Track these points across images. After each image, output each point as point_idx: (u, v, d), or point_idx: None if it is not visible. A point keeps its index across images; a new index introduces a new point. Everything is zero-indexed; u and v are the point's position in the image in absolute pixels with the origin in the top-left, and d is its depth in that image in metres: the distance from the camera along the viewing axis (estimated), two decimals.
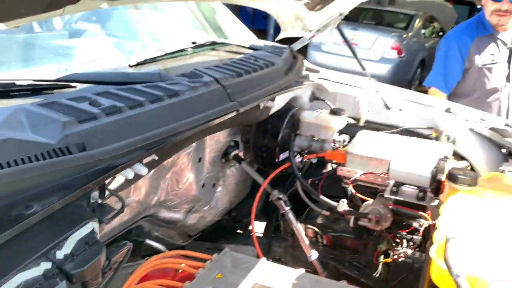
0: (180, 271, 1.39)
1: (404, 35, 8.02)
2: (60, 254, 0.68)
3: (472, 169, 1.67)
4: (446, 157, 1.41)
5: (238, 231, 2.14)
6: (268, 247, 1.90)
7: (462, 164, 1.62)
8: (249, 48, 1.90)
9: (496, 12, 2.35)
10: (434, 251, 0.85)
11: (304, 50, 2.56)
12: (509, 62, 2.46)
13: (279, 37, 2.02)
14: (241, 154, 1.83)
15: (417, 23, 8.48)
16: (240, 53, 1.80)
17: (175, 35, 1.82)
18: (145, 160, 0.94)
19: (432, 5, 12.15)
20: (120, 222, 1.31)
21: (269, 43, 2.18)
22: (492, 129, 1.75)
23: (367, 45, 7.66)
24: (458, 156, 1.71)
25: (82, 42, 1.41)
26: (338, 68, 5.99)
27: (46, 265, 0.65)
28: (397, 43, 7.60)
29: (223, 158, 1.78)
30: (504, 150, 1.67)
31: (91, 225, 0.75)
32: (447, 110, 1.88)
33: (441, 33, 9.94)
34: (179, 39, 1.70)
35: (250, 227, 2.03)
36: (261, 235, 2.03)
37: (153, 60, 1.40)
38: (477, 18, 2.50)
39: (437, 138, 1.84)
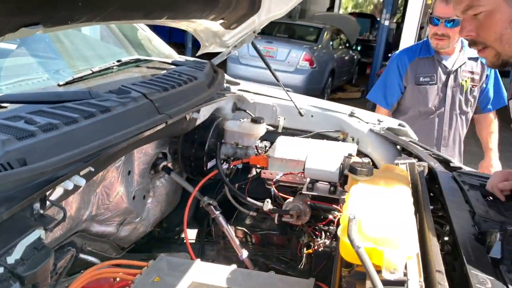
0: (117, 280, 1.44)
1: (315, 47, 8.61)
2: (11, 260, 0.72)
3: (374, 164, 1.93)
4: (350, 155, 1.63)
5: (171, 240, 2.20)
6: (201, 252, 2.00)
7: (365, 160, 1.86)
8: (172, 64, 2.00)
9: (434, 36, 2.39)
10: (340, 231, 1.02)
11: (223, 63, 2.70)
12: (445, 85, 2.49)
13: (199, 52, 2.14)
14: (169, 165, 1.91)
15: (326, 35, 9.14)
16: (163, 69, 1.89)
17: (99, 53, 1.86)
18: (83, 172, 1.00)
19: (338, 19, 13.17)
20: (52, 238, 1.33)
21: (190, 58, 2.30)
22: (388, 129, 2.02)
23: (282, 57, 8.11)
24: (362, 154, 1.96)
25: (6, 62, 1.41)
26: (257, 79, 6.27)
27: None
28: (309, 55, 8.14)
29: (152, 169, 1.84)
30: (398, 147, 1.95)
31: (38, 232, 0.80)
32: (351, 115, 2.13)
33: (347, 44, 10.83)
34: (103, 57, 1.75)
35: (182, 235, 2.11)
36: (194, 241, 2.11)
37: (81, 79, 1.45)
38: (426, 40, 2.56)
39: (344, 140, 2.08)
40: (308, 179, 1.65)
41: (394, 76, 2.57)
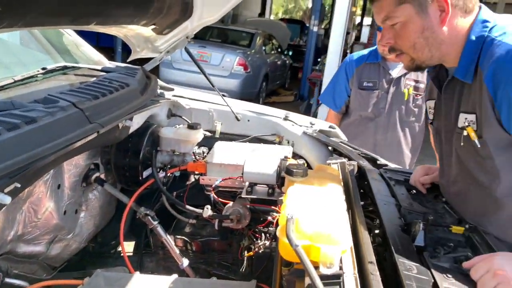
0: None
1: (248, 52, 8.72)
2: None
3: (308, 165, 2.00)
4: (286, 157, 1.68)
5: (107, 255, 2.11)
6: (139, 264, 1.94)
7: (300, 161, 1.93)
8: (102, 70, 1.93)
9: (380, 42, 2.39)
10: (278, 231, 1.05)
11: (156, 68, 2.64)
12: (387, 93, 2.50)
13: (130, 58, 2.09)
14: (102, 176, 1.83)
15: (258, 40, 9.30)
16: (92, 76, 1.81)
17: (21, 60, 1.74)
18: (7, 189, 0.93)
19: (269, 24, 13.48)
20: None
21: (121, 64, 2.23)
22: (320, 131, 2.12)
23: (216, 62, 8.12)
24: (297, 156, 2.03)
25: None
26: (191, 84, 6.23)
27: None
28: (243, 60, 8.23)
29: (84, 182, 1.76)
30: (330, 147, 2.05)
31: None
32: (285, 118, 2.20)
33: (279, 49, 11.11)
34: (26, 65, 1.64)
35: (119, 248, 2.03)
36: (131, 254, 2.04)
37: (1, 88, 1.35)
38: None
39: (279, 143, 2.14)
40: (247, 183, 1.67)
41: (342, 79, 2.64)
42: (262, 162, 1.67)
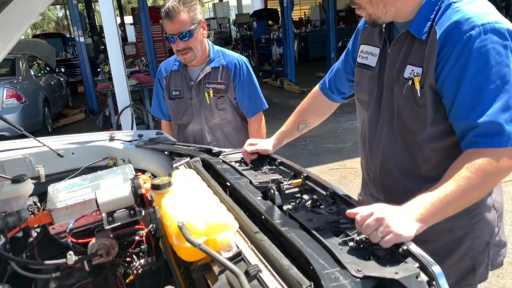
0: None
1: (15, 81, 7.70)
2: None
3: (154, 175, 2.06)
4: (136, 175, 1.71)
5: None
6: None
7: (147, 174, 1.98)
8: None
9: (178, 52, 2.31)
10: (175, 240, 1.15)
11: None
12: (191, 99, 2.46)
13: None
14: None
15: (22, 65, 8.28)
16: None
17: None
18: None
19: (26, 45, 12.00)
20: None
21: None
22: (150, 140, 2.19)
23: None
24: (139, 170, 2.06)
25: None
26: None
27: None
28: (13, 90, 7.24)
29: None
30: (166, 152, 2.15)
31: None
32: (111, 139, 2.19)
33: (48, 69, 10.13)
34: None
35: None
36: None
37: None
38: None
39: (115, 164, 2.13)
40: (104, 214, 1.65)
41: (159, 89, 2.61)
42: (113, 188, 1.67)
